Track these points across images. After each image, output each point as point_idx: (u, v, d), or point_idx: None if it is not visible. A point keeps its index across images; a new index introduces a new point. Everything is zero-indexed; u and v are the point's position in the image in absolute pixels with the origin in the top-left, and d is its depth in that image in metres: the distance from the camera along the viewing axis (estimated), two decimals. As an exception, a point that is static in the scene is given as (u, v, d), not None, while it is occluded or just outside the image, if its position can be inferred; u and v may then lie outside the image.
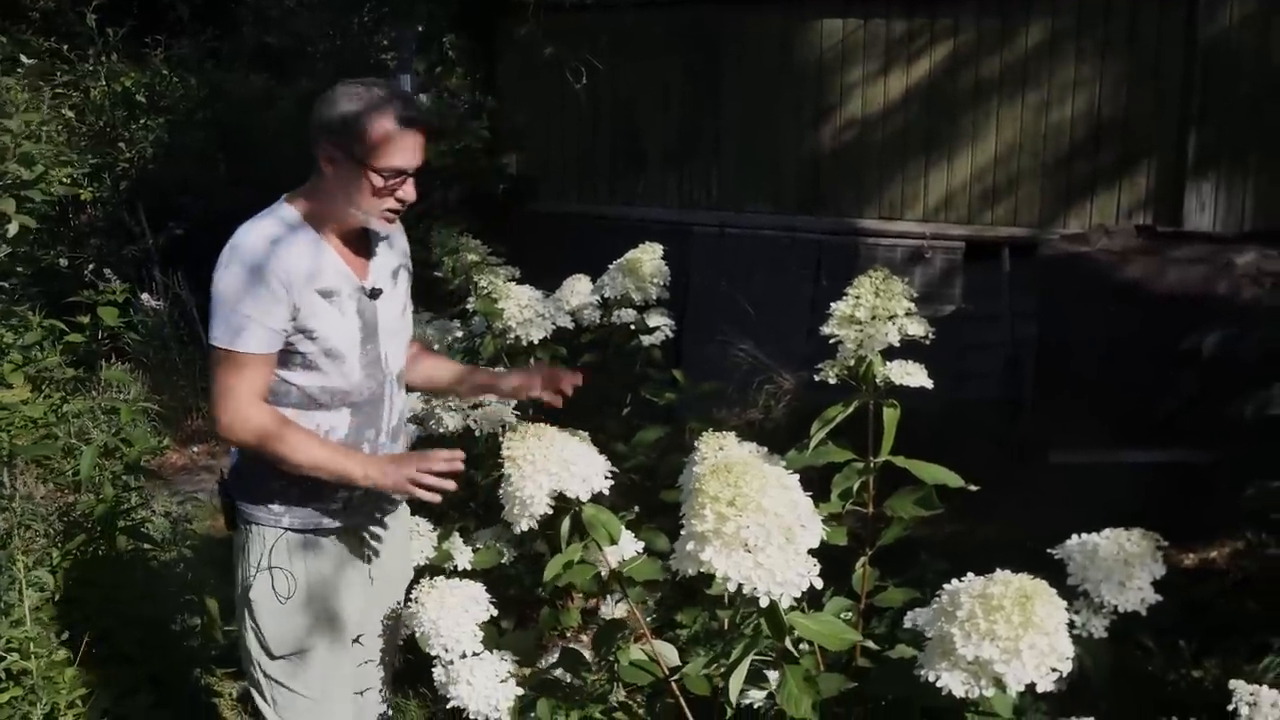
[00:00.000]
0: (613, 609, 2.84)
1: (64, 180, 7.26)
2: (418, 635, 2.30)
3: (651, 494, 3.43)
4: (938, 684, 1.84)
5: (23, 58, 6.27)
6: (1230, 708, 1.65)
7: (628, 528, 2.50)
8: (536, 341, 3.80)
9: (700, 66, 6.57)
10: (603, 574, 2.36)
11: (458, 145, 6.83)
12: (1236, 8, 5.26)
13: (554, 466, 2.23)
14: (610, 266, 4.05)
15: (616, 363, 4.09)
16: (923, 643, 1.95)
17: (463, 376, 2.84)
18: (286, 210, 2.42)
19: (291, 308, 2.33)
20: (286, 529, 2.45)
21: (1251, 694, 1.62)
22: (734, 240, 6.43)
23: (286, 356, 2.39)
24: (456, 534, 3.35)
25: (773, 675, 2.25)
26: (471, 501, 3.75)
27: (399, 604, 2.63)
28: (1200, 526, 4.07)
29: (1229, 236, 5.18)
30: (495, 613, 2.35)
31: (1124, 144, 5.56)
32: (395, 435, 2.60)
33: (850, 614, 2.40)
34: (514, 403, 3.61)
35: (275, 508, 2.45)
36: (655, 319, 4.09)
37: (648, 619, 2.56)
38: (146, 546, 3.96)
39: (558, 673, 2.56)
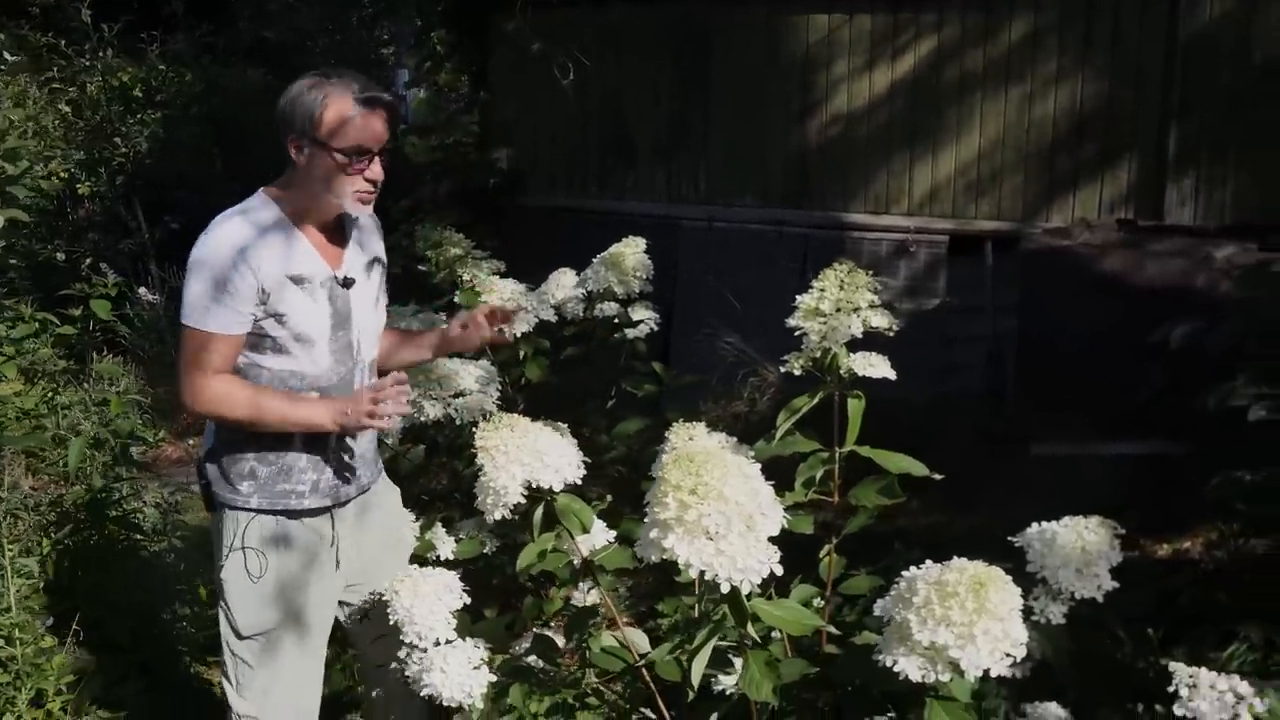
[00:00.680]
0: (585, 597, 2.87)
1: (60, 175, 7.31)
2: (391, 622, 2.33)
3: (633, 485, 3.46)
4: (895, 669, 1.87)
5: (6, 55, 6.28)
6: (1171, 689, 1.67)
7: (605, 517, 2.53)
8: (519, 334, 3.81)
9: (688, 62, 6.58)
10: (575, 562, 2.40)
11: (448, 140, 6.85)
12: (1217, 3, 5.28)
13: (527, 457, 2.25)
14: (594, 260, 4.05)
15: (600, 355, 4.10)
16: (882, 629, 1.99)
17: (403, 340, 2.87)
18: (262, 200, 2.49)
19: (260, 292, 2.38)
20: (257, 510, 2.49)
21: (1191, 676, 1.64)
22: (722, 234, 6.44)
23: (257, 340, 2.44)
24: (439, 524, 3.36)
25: (740, 662, 2.28)
26: (456, 492, 3.77)
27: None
28: (1174, 517, 4.10)
29: (1209, 230, 5.20)
30: (468, 600, 2.38)
31: (1106, 138, 5.58)
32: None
33: (817, 601, 2.44)
34: (495, 392, 3.63)
35: (245, 487, 2.49)
36: (639, 312, 4.08)
37: (620, 607, 2.60)
38: (137, 536, 4.00)
39: (531, 659, 2.60)
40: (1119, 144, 5.56)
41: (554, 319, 4.02)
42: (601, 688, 2.47)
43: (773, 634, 2.53)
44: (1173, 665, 1.68)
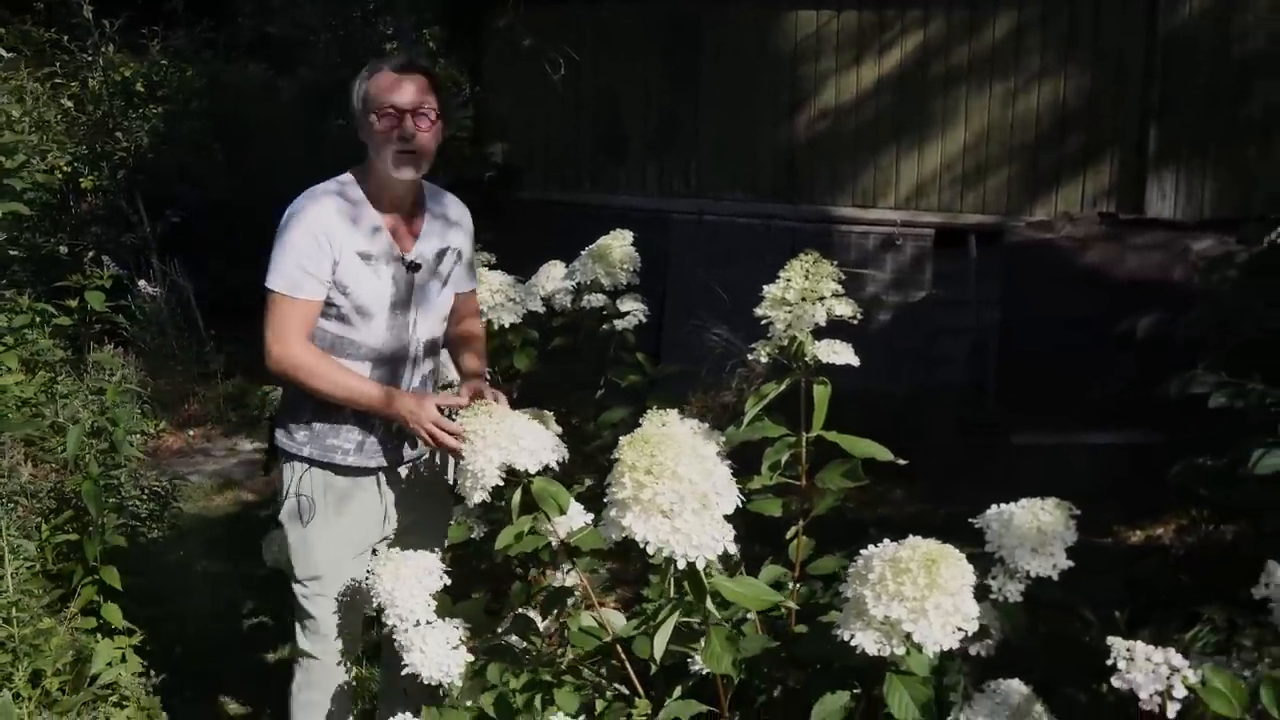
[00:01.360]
0: (565, 580, 2.93)
1: (62, 169, 7.37)
2: (375, 604, 2.40)
3: (618, 472, 3.53)
4: (852, 643, 1.94)
5: (2, 51, 6.34)
6: (1109, 662, 1.73)
7: (588, 502, 2.59)
8: (508, 325, 3.87)
9: (679, 58, 6.63)
10: (553, 544, 2.46)
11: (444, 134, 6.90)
12: (1195, 1, 5.34)
13: (504, 441, 2.33)
14: (582, 253, 4.11)
15: (588, 346, 4.16)
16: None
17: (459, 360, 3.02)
18: (344, 179, 2.70)
19: (332, 263, 2.59)
20: (309, 460, 2.72)
21: (1128, 649, 1.70)
22: (712, 227, 6.50)
23: (324, 306, 2.65)
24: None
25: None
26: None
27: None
28: (1148, 505, 4.16)
29: (1188, 224, 5.26)
30: (449, 583, 2.44)
31: (1088, 133, 5.64)
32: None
33: (796, 585, 2.50)
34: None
35: (300, 436, 2.72)
36: (628, 304, 4.14)
37: (599, 590, 2.66)
38: (134, 523, 4.06)
39: (511, 639, 2.67)
40: (1101, 139, 5.62)
41: (543, 310, 4.10)
42: (579, 666, 2.53)
43: (747, 616, 2.61)
44: (1110, 639, 1.74)
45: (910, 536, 2.00)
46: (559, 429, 3.05)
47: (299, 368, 2.60)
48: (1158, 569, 3.62)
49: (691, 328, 6.02)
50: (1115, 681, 1.70)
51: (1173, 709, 1.66)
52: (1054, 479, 4.61)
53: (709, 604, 2.04)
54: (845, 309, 2.34)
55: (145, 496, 4.28)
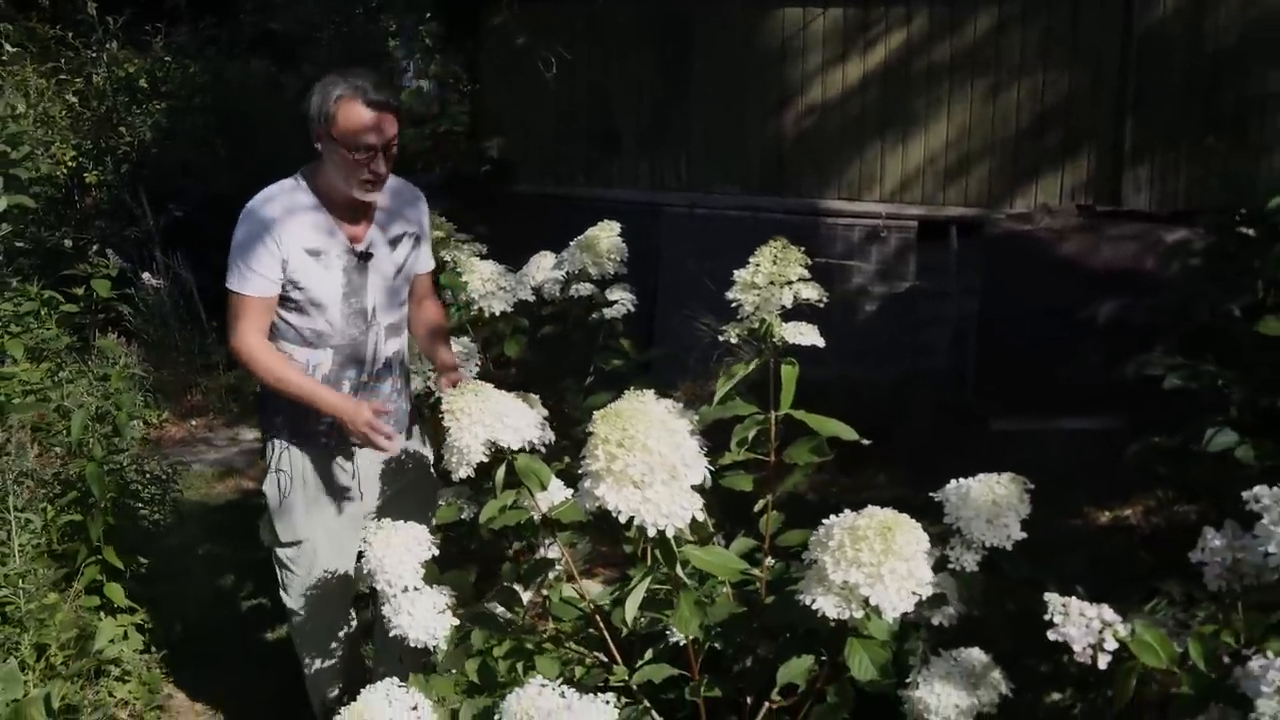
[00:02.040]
0: (546, 552, 3.02)
1: (67, 163, 7.44)
2: (365, 571, 2.50)
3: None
4: (814, 606, 2.02)
5: (6, 45, 6.42)
6: (1046, 617, 1.82)
7: (567, 478, 2.68)
8: (498, 313, 3.95)
9: (670, 55, 6.68)
10: (535, 518, 2.55)
11: (440, 129, 6.98)
12: (1170, 0, 5.41)
13: (488, 418, 2.41)
14: (571, 244, 4.19)
15: (577, 334, 4.24)
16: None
17: (428, 340, 3.22)
18: (295, 182, 2.82)
19: (280, 262, 2.73)
20: (289, 440, 2.91)
21: (1063, 605, 1.79)
22: (702, 220, 6.56)
23: (285, 301, 2.80)
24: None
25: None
26: (438, 462, 3.93)
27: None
28: (1117, 487, 4.25)
29: (1162, 215, 5.34)
30: (436, 553, 2.53)
31: (1066, 128, 5.70)
32: (381, 376, 2.96)
33: (762, 557, 2.59)
34: (474, 368, 3.79)
35: (279, 421, 2.92)
36: (616, 293, 4.21)
37: (580, 564, 2.75)
38: (137, 505, 4.13)
39: (498, 610, 2.76)
40: (1079, 133, 5.68)
41: (533, 299, 4.18)
42: (560, 634, 2.62)
43: (722, 589, 2.71)
44: (1047, 595, 1.83)
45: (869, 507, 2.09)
46: (545, 411, 3.15)
47: (249, 361, 2.79)
48: (1123, 548, 3.71)
49: (682, 318, 6.10)
50: (1051, 635, 1.79)
51: (1104, 660, 1.75)
52: (1030, 463, 4.70)
53: (679, 570, 2.14)
54: (811, 293, 2.42)
55: (147, 480, 4.37)
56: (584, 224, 4.01)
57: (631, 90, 6.90)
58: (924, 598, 2.02)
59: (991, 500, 2.28)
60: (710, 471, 2.47)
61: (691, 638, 2.32)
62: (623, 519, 1.98)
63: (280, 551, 2.99)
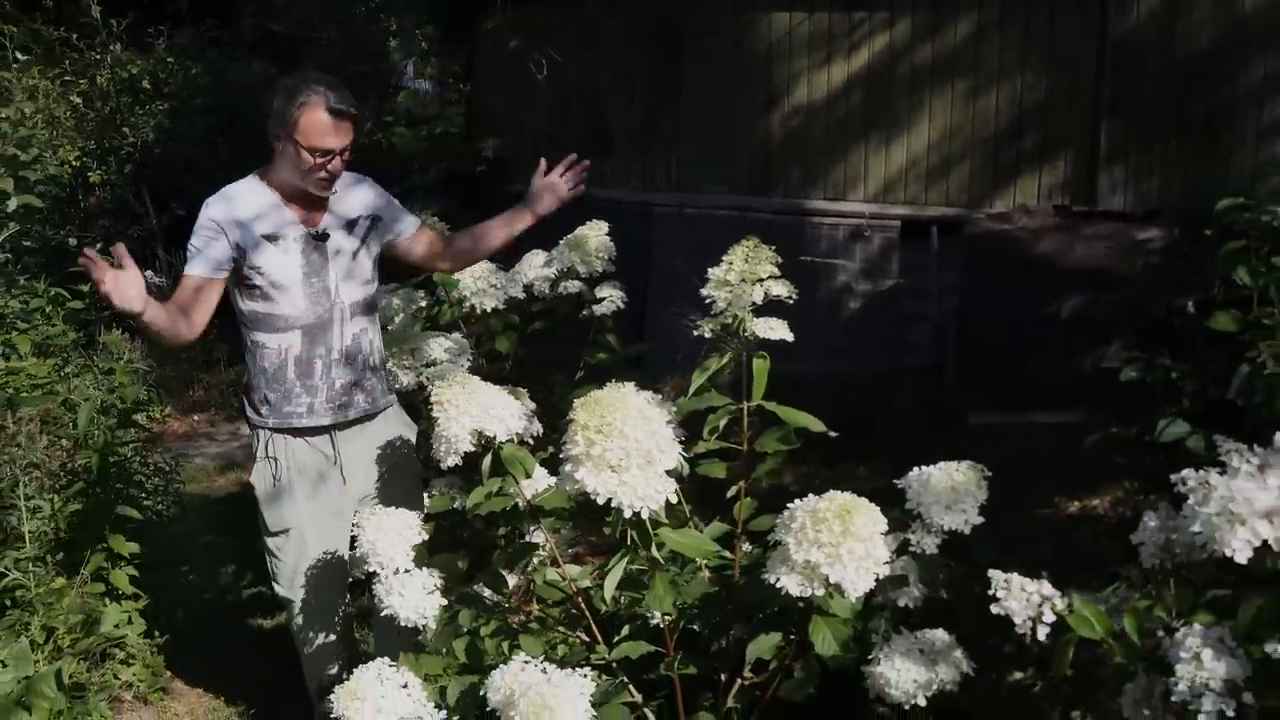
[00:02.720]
0: (531, 538, 3.12)
1: (72, 163, 7.52)
2: (358, 554, 2.60)
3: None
4: (778, 585, 2.12)
5: (18, 55, 6.51)
6: (990, 592, 1.92)
7: (551, 466, 2.78)
8: (489, 310, 4.05)
9: (661, 58, 6.76)
10: (520, 504, 2.65)
11: (436, 130, 7.06)
12: (1143, 4, 5.48)
13: (475, 409, 2.51)
14: (560, 242, 4.27)
15: (566, 330, 4.33)
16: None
17: (475, 246, 3.44)
18: (251, 177, 2.96)
19: (233, 246, 2.86)
20: (273, 429, 3.00)
21: (1006, 580, 1.89)
22: (692, 219, 6.63)
23: (249, 289, 2.93)
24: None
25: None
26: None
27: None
28: (1087, 479, 4.35)
29: (1136, 215, 5.42)
30: (426, 537, 2.64)
31: (1044, 130, 5.78)
32: (351, 356, 3.05)
33: (741, 543, 2.69)
34: (466, 363, 3.88)
35: (263, 410, 3.01)
36: (605, 290, 4.30)
37: (563, 549, 2.85)
38: (140, 495, 4.20)
39: (485, 593, 2.86)
40: (1056, 135, 5.76)
41: (523, 296, 4.27)
42: (544, 615, 2.72)
43: (700, 574, 2.81)
44: (991, 572, 1.93)
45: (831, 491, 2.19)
46: (533, 405, 3.25)
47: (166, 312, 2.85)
48: (1089, 536, 3.81)
49: (672, 314, 6.18)
50: (994, 609, 1.89)
51: (1042, 631, 1.86)
52: (1005, 455, 4.81)
53: (655, 551, 2.24)
54: (781, 290, 2.52)
55: (151, 472, 4.46)
56: (577, 222, 4.10)
57: (623, 92, 6.98)
58: (883, 577, 2.12)
59: (951, 486, 2.35)
60: (687, 460, 2.59)
61: (667, 617, 2.42)
62: (600, 500, 2.08)
63: (269, 540, 3.07)
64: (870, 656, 2.35)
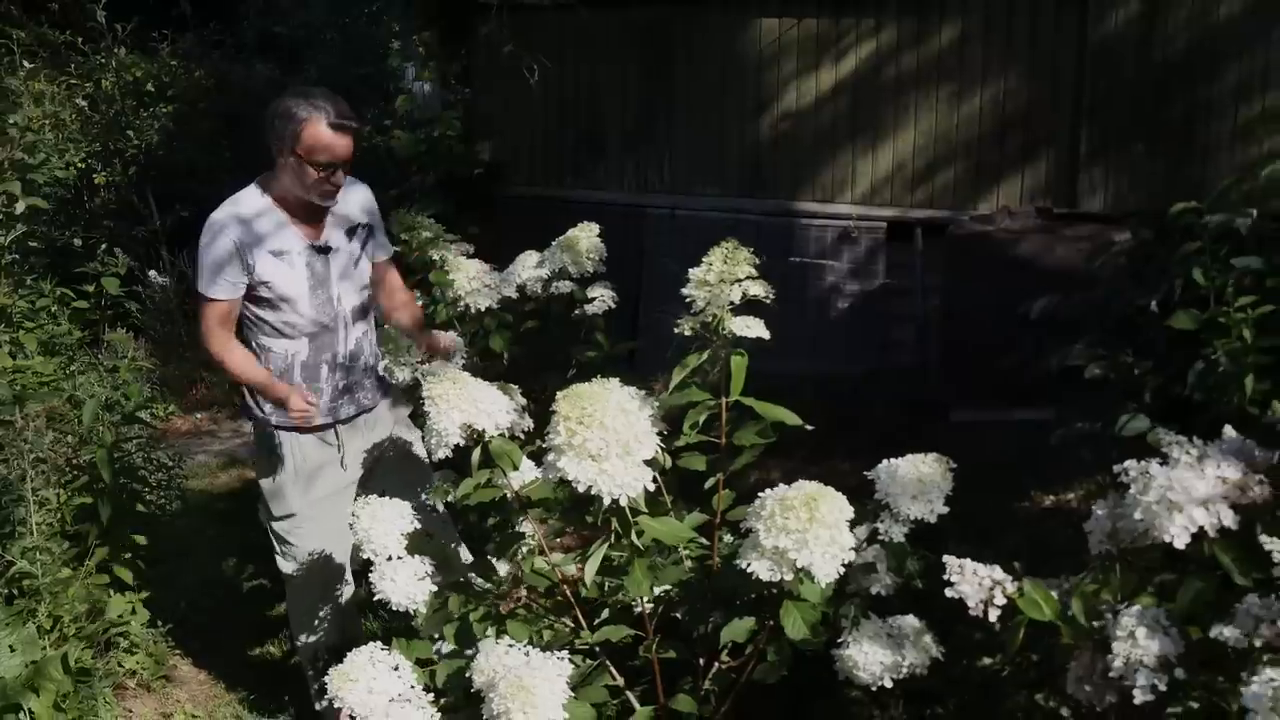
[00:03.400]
0: (520, 528, 3.20)
1: (78, 166, 7.59)
2: (354, 541, 2.69)
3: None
4: (749, 570, 2.22)
5: (25, 63, 6.59)
6: (945, 577, 2.01)
7: (538, 459, 2.86)
8: (483, 309, 4.12)
9: (653, 63, 6.83)
10: (508, 495, 2.74)
11: (433, 134, 7.12)
12: (1122, 11, 5.54)
13: (465, 404, 2.59)
14: (552, 244, 4.35)
15: (558, 329, 4.41)
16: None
17: (408, 317, 3.48)
18: (253, 190, 3.05)
19: (246, 265, 2.96)
20: (277, 426, 3.14)
21: (959, 566, 1.98)
22: (684, 221, 6.70)
23: (258, 300, 3.04)
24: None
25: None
26: (427, 449, 4.10)
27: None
28: (1062, 473, 4.43)
29: (1114, 217, 5.49)
30: (418, 525, 2.72)
31: (1026, 134, 5.83)
32: (353, 358, 3.19)
33: (723, 533, 2.77)
34: (460, 360, 3.96)
35: (267, 408, 3.15)
36: (596, 290, 4.38)
37: (549, 536, 2.94)
38: (144, 490, 4.25)
39: (476, 580, 2.95)
40: (1037, 139, 5.81)
41: (516, 296, 4.34)
42: (531, 602, 2.81)
43: (683, 563, 2.89)
44: (946, 558, 2.02)
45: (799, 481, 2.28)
46: (523, 400, 3.33)
47: (219, 358, 3.08)
48: (1061, 528, 3.89)
49: (664, 314, 6.25)
50: (949, 592, 1.98)
51: (994, 614, 1.94)
52: (985, 451, 4.91)
53: (634, 537, 2.33)
54: (758, 289, 2.60)
55: (154, 467, 4.53)
56: (572, 224, 4.16)
57: (617, 96, 7.04)
58: (853, 564, 2.21)
59: (917, 478, 2.42)
60: (668, 452, 2.68)
61: (648, 603, 2.51)
62: (581, 488, 2.17)
63: (275, 525, 3.22)
64: (840, 640, 2.44)
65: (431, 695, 2.37)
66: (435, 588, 2.64)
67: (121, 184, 8.33)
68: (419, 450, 3.40)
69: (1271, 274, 2.79)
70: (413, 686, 2.35)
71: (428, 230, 4.23)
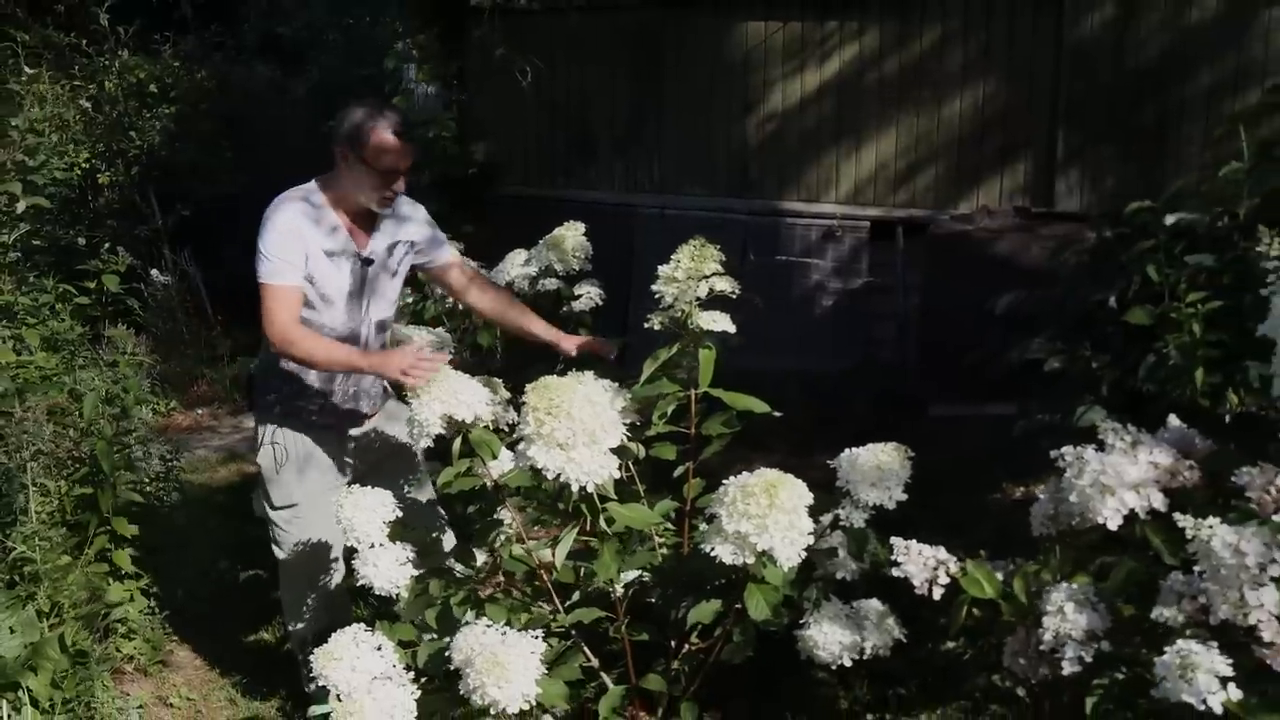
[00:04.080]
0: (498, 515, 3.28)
1: (81, 166, 7.67)
2: (338, 526, 2.76)
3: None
4: (712, 554, 2.30)
5: (27, 69, 6.66)
6: (895, 558, 2.09)
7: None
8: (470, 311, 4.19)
9: (642, 65, 6.89)
10: (488, 484, 2.82)
11: (428, 134, 7.19)
12: (1096, 15, 5.61)
13: (445, 395, 2.67)
14: (540, 242, 4.42)
15: (546, 325, 4.47)
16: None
17: (502, 311, 3.50)
18: (312, 188, 3.13)
19: (304, 256, 3.03)
20: (280, 418, 3.21)
21: (905, 547, 2.06)
22: (673, 220, 6.75)
23: None
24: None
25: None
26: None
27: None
28: (1032, 465, 4.50)
29: (1091, 216, 5.56)
30: (400, 514, 2.80)
31: (1005, 135, 5.90)
32: None
33: (699, 523, 2.85)
34: (449, 355, 4.03)
35: (271, 399, 3.22)
36: (583, 288, 4.45)
37: (526, 523, 3.01)
38: (144, 480, 4.32)
39: (458, 567, 3.03)
40: (1015, 140, 5.88)
41: (504, 293, 4.40)
42: (510, 587, 2.89)
43: (663, 550, 2.97)
44: (893, 539, 2.10)
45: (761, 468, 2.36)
46: (508, 394, 3.41)
47: (293, 344, 3.01)
48: (1028, 518, 3.95)
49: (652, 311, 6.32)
50: (896, 571, 2.06)
51: (938, 592, 2.03)
52: (962, 445, 4.98)
53: (601, 522, 2.41)
54: (724, 284, 2.69)
55: (153, 458, 4.60)
56: (562, 223, 4.24)
57: (607, 98, 7.10)
58: (817, 549, 2.29)
59: (876, 465, 2.49)
60: (641, 442, 2.76)
61: (618, 586, 2.59)
62: (550, 475, 2.25)
63: (274, 514, 3.29)
64: (801, 621, 2.52)
65: (412, 674, 2.45)
66: (417, 573, 2.71)
67: (124, 184, 8.38)
68: (411, 447, 3.48)
69: (1224, 270, 2.87)
70: (395, 666, 2.42)
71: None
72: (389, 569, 2.68)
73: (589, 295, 4.35)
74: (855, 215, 6.29)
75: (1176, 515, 1.72)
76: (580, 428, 2.23)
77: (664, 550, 2.99)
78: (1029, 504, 4.37)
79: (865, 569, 2.60)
